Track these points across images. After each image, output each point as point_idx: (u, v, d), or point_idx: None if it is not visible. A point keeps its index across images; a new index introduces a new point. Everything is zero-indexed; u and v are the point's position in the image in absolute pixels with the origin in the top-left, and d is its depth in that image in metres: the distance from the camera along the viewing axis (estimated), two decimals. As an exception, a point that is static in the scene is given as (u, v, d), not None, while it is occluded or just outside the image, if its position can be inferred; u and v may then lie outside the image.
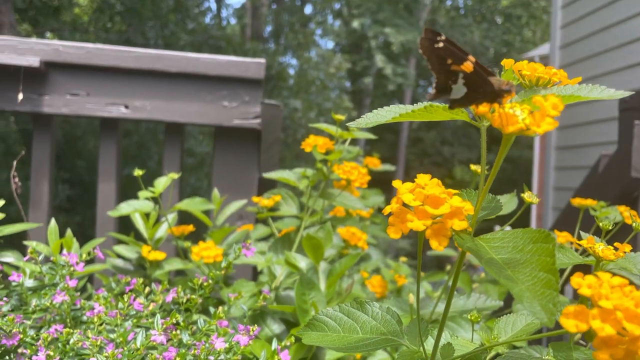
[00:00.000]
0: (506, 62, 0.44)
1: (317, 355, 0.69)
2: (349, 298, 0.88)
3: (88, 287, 1.07)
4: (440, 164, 17.00)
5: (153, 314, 0.66)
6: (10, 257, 0.88)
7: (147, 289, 0.70)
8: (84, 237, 1.40)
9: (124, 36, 7.02)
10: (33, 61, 1.37)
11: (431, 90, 0.44)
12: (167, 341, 0.58)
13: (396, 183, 0.40)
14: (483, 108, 0.41)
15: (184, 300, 0.66)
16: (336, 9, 15.42)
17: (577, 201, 0.90)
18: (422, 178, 0.40)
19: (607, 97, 0.40)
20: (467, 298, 0.75)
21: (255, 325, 0.64)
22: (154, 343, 0.55)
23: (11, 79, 1.38)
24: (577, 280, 0.34)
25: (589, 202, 0.89)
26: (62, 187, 5.70)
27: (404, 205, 0.39)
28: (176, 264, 0.88)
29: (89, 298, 0.96)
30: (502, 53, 16.25)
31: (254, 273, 1.27)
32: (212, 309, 0.62)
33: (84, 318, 0.66)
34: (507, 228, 0.51)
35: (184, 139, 1.52)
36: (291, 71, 11.03)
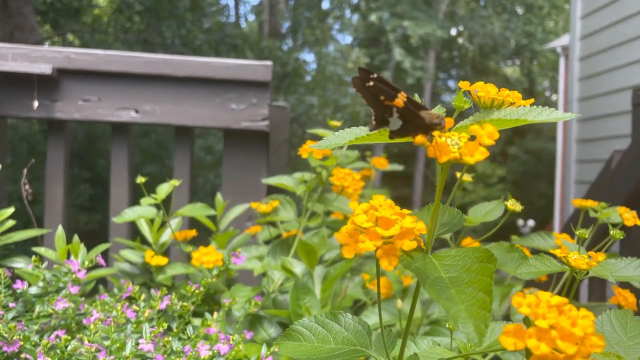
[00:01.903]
0: (462, 84, 0.45)
1: None
2: (346, 301, 0.90)
3: (101, 288, 1.10)
4: (461, 158, 16.83)
5: (152, 319, 0.69)
6: (20, 263, 0.91)
7: (143, 296, 0.72)
8: (104, 236, 1.44)
9: (142, 36, 7.11)
10: (45, 68, 1.40)
11: (372, 122, 0.46)
12: (159, 348, 0.60)
13: (352, 205, 0.42)
14: (420, 138, 0.42)
15: (178, 307, 0.68)
16: (354, 3, 15.36)
17: (578, 202, 0.90)
18: (377, 199, 0.42)
19: (554, 119, 0.40)
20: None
21: (252, 329, 0.66)
22: (142, 351, 0.58)
23: (25, 87, 1.42)
24: (517, 299, 0.35)
25: (589, 203, 0.89)
26: (83, 186, 5.81)
27: (358, 226, 0.40)
28: (178, 269, 0.90)
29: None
30: (523, 44, 16.02)
31: (259, 276, 1.30)
32: (207, 315, 0.64)
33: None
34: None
35: (193, 141, 1.54)
36: (309, 67, 11.04)
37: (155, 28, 6.89)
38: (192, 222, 1.36)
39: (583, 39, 4.91)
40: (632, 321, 0.47)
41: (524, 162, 15.44)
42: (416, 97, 0.44)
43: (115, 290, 0.78)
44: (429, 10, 14.40)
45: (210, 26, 7.28)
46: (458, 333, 0.78)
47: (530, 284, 1.28)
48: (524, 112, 0.41)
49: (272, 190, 1.37)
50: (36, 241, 1.14)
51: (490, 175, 16.06)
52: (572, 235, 0.96)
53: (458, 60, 17.76)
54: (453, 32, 16.34)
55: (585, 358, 0.31)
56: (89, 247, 0.94)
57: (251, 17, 15.84)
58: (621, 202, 1.56)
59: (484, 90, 0.44)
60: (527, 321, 0.34)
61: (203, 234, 1.24)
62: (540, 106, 0.41)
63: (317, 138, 1.03)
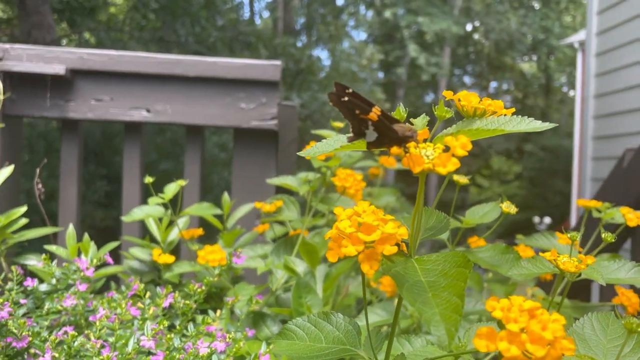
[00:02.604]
0: (446, 94, 0.46)
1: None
2: (349, 299, 0.91)
3: (112, 285, 1.13)
4: (477, 155, 16.74)
5: (157, 316, 0.71)
6: (33, 260, 0.94)
7: (148, 294, 0.74)
8: (119, 232, 1.47)
9: (157, 34, 7.17)
10: (59, 69, 1.43)
11: (350, 133, 0.47)
12: (162, 344, 0.62)
13: (337, 210, 0.43)
14: (396, 149, 0.43)
15: (181, 305, 0.70)
16: (368, -1, 15.31)
17: (582, 202, 0.90)
18: (361, 205, 0.43)
19: (533, 129, 0.41)
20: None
21: (255, 326, 0.67)
22: (144, 347, 0.59)
23: (39, 86, 1.45)
24: (491, 303, 0.36)
25: (593, 203, 0.89)
26: (99, 183, 5.89)
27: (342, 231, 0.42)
28: (185, 267, 0.92)
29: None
30: (540, 40, 15.85)
31: (265, 273, 1.31)
32: (210, 313, 0.66)
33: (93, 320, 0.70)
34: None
35: (204, 140, 1.56)
36: (323, 64, 11.02)
37: (170, 26, 6.94)
38: (202, 221, 1.38)
39: (599, 34, 4.85)
40: (614, 324, 0.48)
41: (540, 159, 15.30)
42: (399, 110, 0.46)
43: (123, 288, 0.80)
44: (444, 6, 14.31)
45: (224, 23, 7.32)
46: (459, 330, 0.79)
47: (536, 283, 1.28)
48: (503, 121, 0.42)
49: (281, 189, 1.38)
50: (50, 239, 1.17)
51: (507, 172, 15.94)
52: (587, 235, 0.97)
53: (474, 56, 17.63)
54: (469, 27, 16.22)
55: (555, 360, 0.32)
56: (105, 243, 0.97)
57: (266, 14, 15.88)
58: (633, 200, 1.55)
59: (467, 99, 0.44)
60: (500, 324, 0.35)
61: (213, 232, 1.26)
62: (521, 116, 0.42)
63: (321, 139, 1.03)
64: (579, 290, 1.43)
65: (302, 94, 7.42)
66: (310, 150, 0.47)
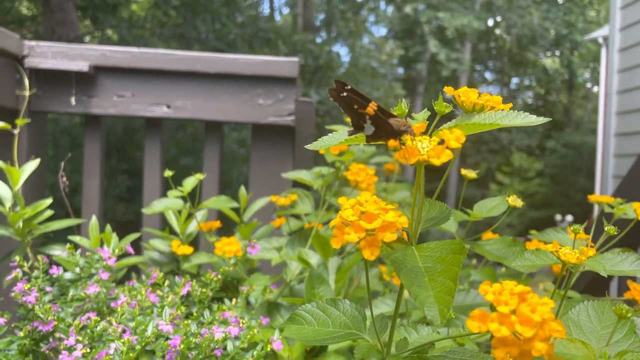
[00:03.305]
0: (447, 89, 0.48)
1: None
2: (361, 291, 0.93)
3: (133, 275, 1.16)
4: (497, 151, 16.59)
5: (175, 304, 0.73)
6: (57, 250, 0.97)
7: (167, 282, 0.77)
8: (140, 226, 1.51)
9: (178, 31, 7.25)
10: (83, 66, 1.47)
11: (350, 127, 0.50)
12: (179, 330, 0.65)
13: (341, 199, 0.45)
14: (393, 142, 0.46)
15: (198, 293, 0.73)
16: (389, -5, 15.24)
17: (594, 198, 0.91)
18: (364, 195, 0.45)
19: (528, 123, 0.43)
20: (466, 294, 0.78)
21: (269, 315, 0.70)
22: (162, 332, 0.62)
23: (64, 83, 1.49)
24: (484, 287, 0.38)
25: (605, 198, 0.89)
26: (121, 178, 5.98)
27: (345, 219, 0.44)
28: (202, 258, 0.95)
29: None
30: (563, 35, 15.63)
31: (280, 265, 1.34)
32: (226, 301, 0.69)
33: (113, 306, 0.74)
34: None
35: (222, 136, 1.59)
36: (342, 60, 11.01)
37: (190, 23, 7.01)
38: (220, 214, 1.41)
39: (623, 29, 4.78)
40: (609, 312, 0.49)
41: (562, 156, 15.11)
42: (400, 105, 0.48)
43: (144, 277, 0.84)
44: (465, 1, 14.18)
45: (243, 20, 7.36)
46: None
47: (553, 280, 1.29)
48: (500, 116, 0.44)
49: (297, 184, 1.41)
50: (73, 230, 1.21)
51: (527, 170, 15.76)
52: (600, 231, 0.97)
53: (495, 51, 17.45)
54: (490, 22, 16.05)
55: (543, 341, 0.34)
56: (127, 236, 1.00)
57: (285, 10, 15.90)
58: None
59: (466, 95, 0.46)
60: (492, 307, 0.37)
61: (230, 225, 1.29)
62: (520, 111, 0.44)
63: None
64: (597, 287, 1.43)
65: (321, 90, 7.44)
66: (318, 143, 0.49)
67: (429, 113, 0.47)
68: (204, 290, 0.73)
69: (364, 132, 0.49)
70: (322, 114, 7.62)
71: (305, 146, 0.50)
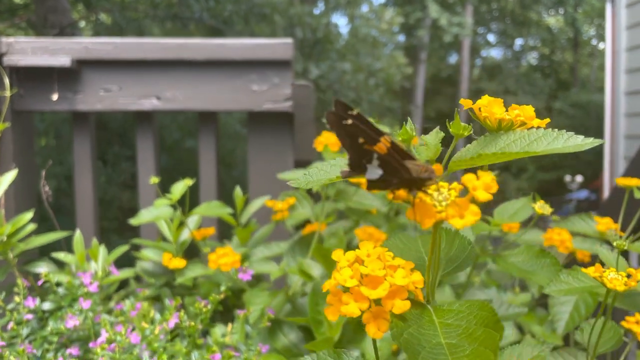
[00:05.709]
0: (463, 102, 0.38)
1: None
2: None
3: (132, 282, 1.10)
4: (503, 114, 16.36)
5: (166, 333, 0.67)
6: (43, 267, 0.90)
7: (152, 313, 0.70)
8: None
9: (171, 11, 7.08)
10: (65, 61, 1.39)
11: (345, 167, 0.38)
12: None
13: (336, 254, 0.36)
14: (402, 193, 0.35)
15: (187, 325, 0.66)
16: (386, -40, 14.89)
17: (621, 181, 0.83)
18: (365, 247, 0.36)
19: (574, 148, 0.33)
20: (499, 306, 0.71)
21: (271, 335, 0.63)
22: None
23: (46, 80, 1.41)
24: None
25: (635, 182, 0.81)
26: (125, 164, 5.91)
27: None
28: (198, 270, 0.88)
29: (129, 295, 0.98)
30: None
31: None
32: (220, 327, 0.62)
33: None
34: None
35: (217, 126, 1.51)
36: (341, 31, 10.78)
37: (184, 2, 6.85)
38: (217, 217, 1.34)
39: (629, 29, 4.61)
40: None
41: (570, 116, 14.91)
42: (406, 129, 0.37)
43: (127, 304, 0.77)
44: (464, -37, 13.84)
45: (238, -5, 7.19)
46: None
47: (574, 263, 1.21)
48: (535, 137, 0.33)
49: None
50: (61, 244, 1.14)
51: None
52: (615, 217, 0.89)
53: (497, 13, 17.10)
54: (491, -17, 15.68)
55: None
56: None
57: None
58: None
59: (489, 110, 0.36)
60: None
61: (230, 226, 1.21)
62: (558, 130, 0.34)
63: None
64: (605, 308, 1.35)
65: (321, 63, 7.27)
66: (293, 183, 0.39)
67: (442, 134, 0.37)
68: (192, 323, 0.66)
69: (365, 176, 0.36)
70: (324, 88, 7.47)
71: (280, 176, 0.41)
